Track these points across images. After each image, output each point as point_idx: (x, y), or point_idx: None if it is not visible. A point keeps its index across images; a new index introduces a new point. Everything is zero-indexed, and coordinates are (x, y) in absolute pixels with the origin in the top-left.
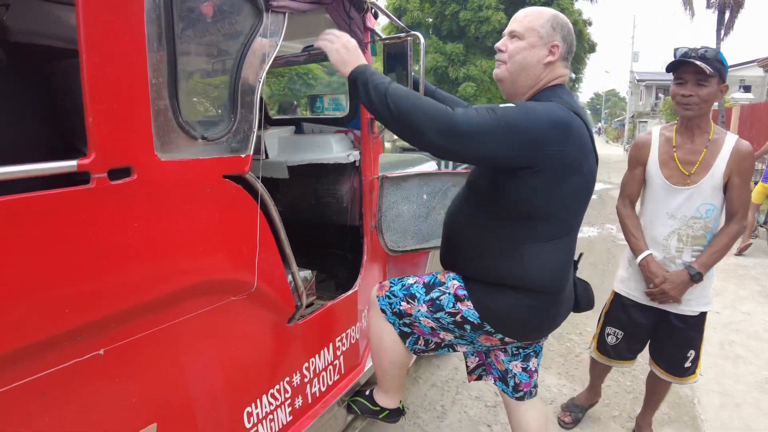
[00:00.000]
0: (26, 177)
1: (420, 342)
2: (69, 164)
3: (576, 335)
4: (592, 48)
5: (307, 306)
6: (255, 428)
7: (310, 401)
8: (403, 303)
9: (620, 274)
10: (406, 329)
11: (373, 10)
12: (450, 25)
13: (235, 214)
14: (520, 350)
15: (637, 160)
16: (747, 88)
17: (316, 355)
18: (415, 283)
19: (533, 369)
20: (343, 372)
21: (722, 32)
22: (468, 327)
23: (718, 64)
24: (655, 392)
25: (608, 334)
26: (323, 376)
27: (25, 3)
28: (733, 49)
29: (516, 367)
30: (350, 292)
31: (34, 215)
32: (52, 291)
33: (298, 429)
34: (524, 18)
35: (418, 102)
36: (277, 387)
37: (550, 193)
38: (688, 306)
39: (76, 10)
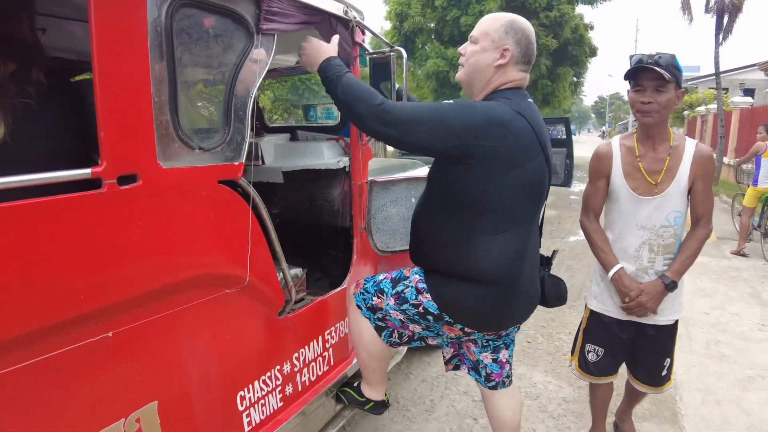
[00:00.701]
0: (50, 183)
1: (394, 335)
2: (84, 172)
3: (565, 335)
4: (593, 52)
5: (298, 301)
6: (247, 411)
7: (300, 389)
8: (374, 298)
9: (593, 289)
10: (380, 323)
11: (355, 27)
12: (451, 30)
13: (229, 215)
14: (490, 342)
15: (600, 172)
16: (750, 92)
17: (306, 347)
18: (384, 279)
19: (504, 360)
20: (332, 363)
21: (721, 36)
22: (430, 318)
23: (674, 69)
24: (633, 396)
25: (588, 352)
26: (312, 367)
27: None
28: (733, 52)
29: (486, 358)
30: (339, 288)
31: (53, 215)
32: (67, 280)
33: (288, 414)
34: (483, 23)
35: (359, 93)
36: (269, 374)
37: (488, 185)
38: (663, 315)
39: (91, 41)
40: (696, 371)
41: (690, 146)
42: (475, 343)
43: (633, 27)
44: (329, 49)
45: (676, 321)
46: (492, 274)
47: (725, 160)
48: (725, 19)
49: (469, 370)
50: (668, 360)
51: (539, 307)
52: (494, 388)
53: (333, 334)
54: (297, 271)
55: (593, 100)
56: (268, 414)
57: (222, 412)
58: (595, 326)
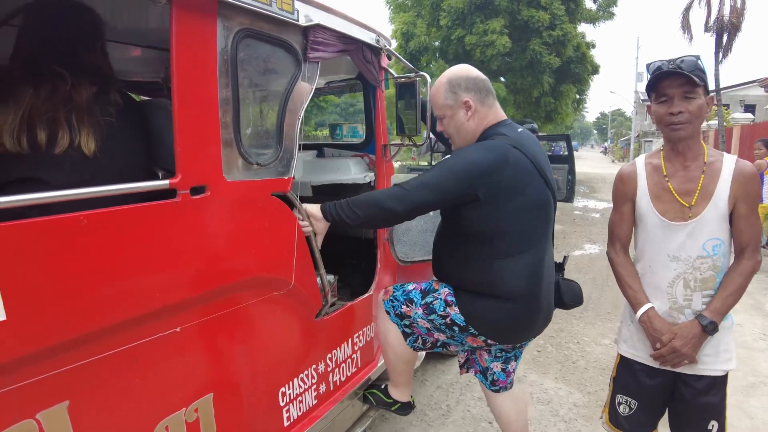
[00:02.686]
0: (135, 192)
1: (419, 341)
2: (163, 183)
3: (574, 344)
4: (595, 70)
5: (331, 305)
6: (287, 407)
7: (331, 388)
8: (403, 306)
9: (622, 332)
10: (407, 329)
11: (385, 53)
12: (456, 49)
13: (279, 224)
14: (503, 353)
15: (624, 196)
16: (750, 108)
17: (338, 348)
18: (413, 289)
19: (511, 370)
20: (359, 365)
21: (720, 54)
22: (456, 328)
23: (700, 72)
24: None
25: (619, 404)
26: (343, 367)
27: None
28: (733, 69)
29: (496, 367)
30: (366, 295)
31: (137, 221)
32: (146, 277)
33: (321, 412)
34: (433, 101)
35: (374, 196)
36: (306, 372)
37: (497, 216)
38: (704, 365)
39: (171, 70)
40: None
41: (729, 163)
42: (489, 353)
43: (634, 45)
44: (313, 206)
45: (725, 374)
46: (511, 292)
47: None
48: (725, 38)
49: (476, 373)
50: (714, 424)
51: None
52: (497, 391)
53: (361, 337)
54: (330, 277)
55: (595, 116)
56: (304, 411)
57: (265, 407)
58: (625, 374)
